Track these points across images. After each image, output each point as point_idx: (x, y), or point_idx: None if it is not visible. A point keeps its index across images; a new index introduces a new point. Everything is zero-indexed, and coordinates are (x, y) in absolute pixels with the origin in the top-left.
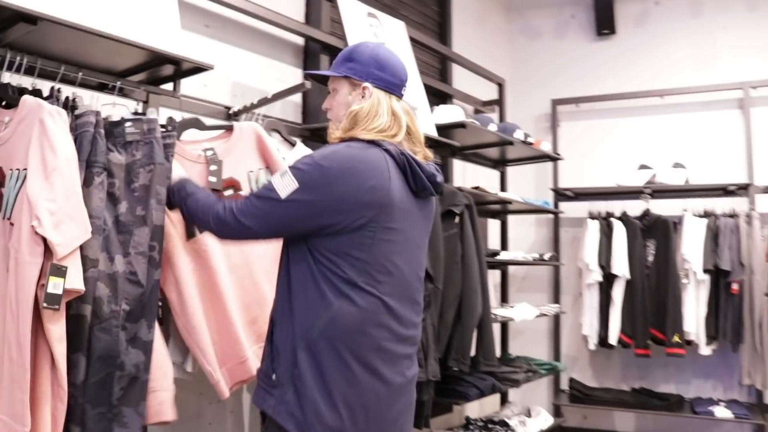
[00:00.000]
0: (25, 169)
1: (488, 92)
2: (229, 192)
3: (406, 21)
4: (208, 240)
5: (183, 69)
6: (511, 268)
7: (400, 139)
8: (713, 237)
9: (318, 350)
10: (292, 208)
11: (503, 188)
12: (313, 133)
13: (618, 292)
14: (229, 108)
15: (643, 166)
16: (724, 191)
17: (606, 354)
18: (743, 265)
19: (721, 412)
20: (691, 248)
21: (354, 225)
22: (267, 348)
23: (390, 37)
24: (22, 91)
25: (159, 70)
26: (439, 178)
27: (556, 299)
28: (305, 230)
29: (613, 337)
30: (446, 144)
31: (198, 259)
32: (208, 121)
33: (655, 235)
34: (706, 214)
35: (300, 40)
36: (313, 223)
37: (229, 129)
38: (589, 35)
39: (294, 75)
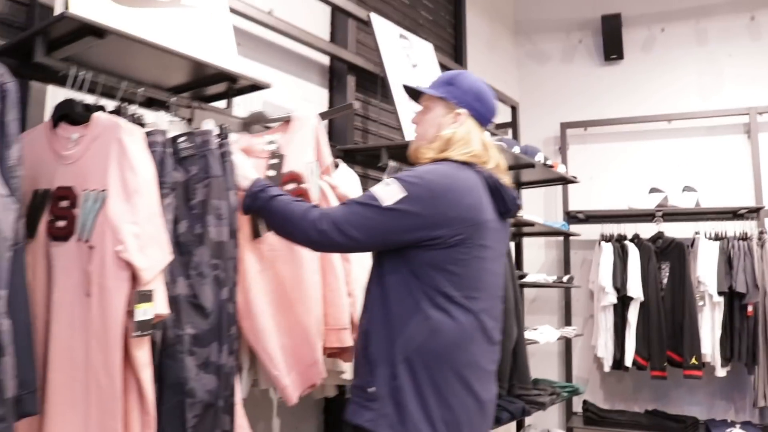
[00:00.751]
0: (104, 191)
1: (501, 115)
2: (291, 186)
3: None
4: (273, 239)
5: (240, 86)
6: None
7: (491, 168)
8: (727, 260)
9: (417, 364)
10: (396, 218)
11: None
12: (346, 154)
13: (633, 314)
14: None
15: (654, 189)
16: (734, 214)
17: (618, 376)
18: (758, 287)
19: None
20: (706, 270)
21: (452, 240)
22: (361, 361)
23: (420, 58)
24: (88, 107)
25: (205, 88)
26: (519, 201)
27: (568, 321)
28: (405, 242)
29: (629, 359)
30: None
31: (263, 259)
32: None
33: (669, 257)
34: (718, 237)
35: (326, 60)
36: (415, 235)
37: (287, 121)
38: (597, 60)
39: (320, 95)
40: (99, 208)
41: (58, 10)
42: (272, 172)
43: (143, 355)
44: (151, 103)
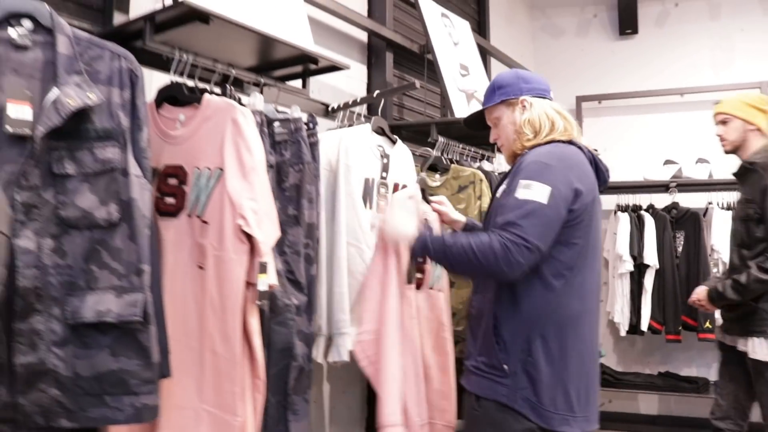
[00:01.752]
0: (219, 169)
1: None
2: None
3: None
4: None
5: (320, 67)
6: None
7: (577, 136)
8: None
9: (550, 337)
10: (555, 209)
11: None
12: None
13: (649, 281)
14: (327, 105)
15: (668, 161)
16: None
17: (630, 340)
18: None
19: None
20: (720, 239)
21: (581, 210)
22: (491, 341)
23: (460, 36)
24: (192, 89)
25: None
26: (609, 172)
27: None
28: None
29: (644, 324)
30: None
31: (407, 307)
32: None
33: (683, 226)
34: (730, 207)
35: (363, 37)
36: (565, 217)
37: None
38: (611, 34)
39: (359, 71)
40: (214, 185)
41: None
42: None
43: (256, 322)
44: (227, 83)
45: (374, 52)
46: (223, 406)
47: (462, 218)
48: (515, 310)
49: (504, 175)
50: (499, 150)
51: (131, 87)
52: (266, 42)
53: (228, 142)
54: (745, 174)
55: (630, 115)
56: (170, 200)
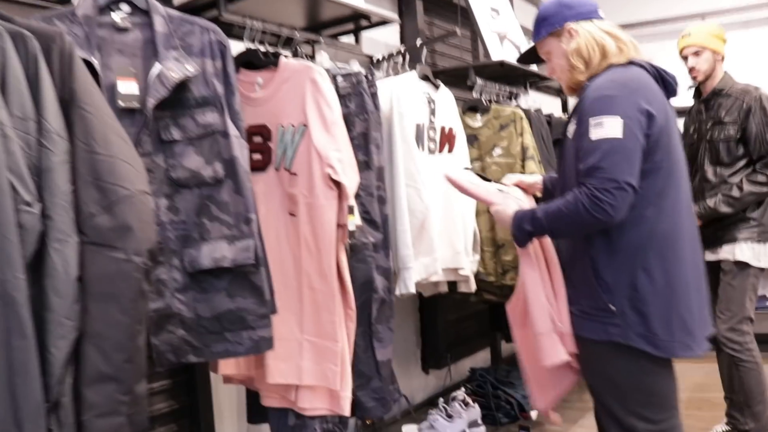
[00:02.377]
0: (303, 125)
1: None
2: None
3: None
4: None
5: (372, 23)
6: None
7: (634, 53)
8: None
9: (652, 268)
10: (632, 138)
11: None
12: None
13: None
14: (371, 57)
15: (691, 87)
16: None
17: None
18: None
19: None
20: None
21: (658, 131)
22: (592, 285)
23: None
24: (266, 54)
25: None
26: (677, 79)
27: None
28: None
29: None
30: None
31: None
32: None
33: None
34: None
35: None
36: (644, 143)
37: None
38: None
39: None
40: (299, 140)
41: None
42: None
43: (344, 259)
44: (282, 44)
45: (404, 1)
46: (324, 334)
47: (537, 178)
48: (611, 249)
49: (571, 112)
50: (531, 86)
51: (222, 56)
52: (323, 3)
53: (309, 99)
54: (717, 99)
55: (652, 42)
56: (257, 156)
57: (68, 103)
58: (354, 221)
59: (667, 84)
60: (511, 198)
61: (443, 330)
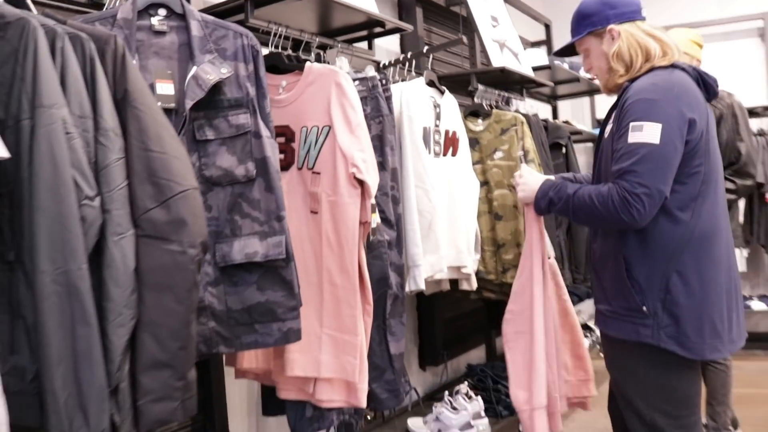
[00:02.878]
0: (327, 126)
1: (535, 33)
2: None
3: None
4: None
5: (386, 30)
6: None
7: (678, 56)
8: None
9: (686, 271)
10: (670, 145)
11: (555, 119)
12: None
13: None
14: (378, 62)
15: None
16: (750, 113)
17: None
18: None
19: (756, 305)
20: None
21: (698, 136)
22: (625, 285)
23: None
24: (289, 57)
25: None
26: (717, 82)
27: None
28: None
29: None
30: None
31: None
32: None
33: None
34: None
35: None
36: (682, 148)
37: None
38: None
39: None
40: (324, 140)
41: None
42: None
43: (364, 256)
44: (296, 48)
45: (404, 7)
46: (344, 328)
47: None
48: (645, 250)
49: (609, 111)
50: (528, 93)
51: (254, 60)
52: (343, 11)
53: (334, 102)
54: None
55: None
56: (280, 156)
57: (122, 102)
58: (375, 219)
59: (708, 87)
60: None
61: (440, 328)
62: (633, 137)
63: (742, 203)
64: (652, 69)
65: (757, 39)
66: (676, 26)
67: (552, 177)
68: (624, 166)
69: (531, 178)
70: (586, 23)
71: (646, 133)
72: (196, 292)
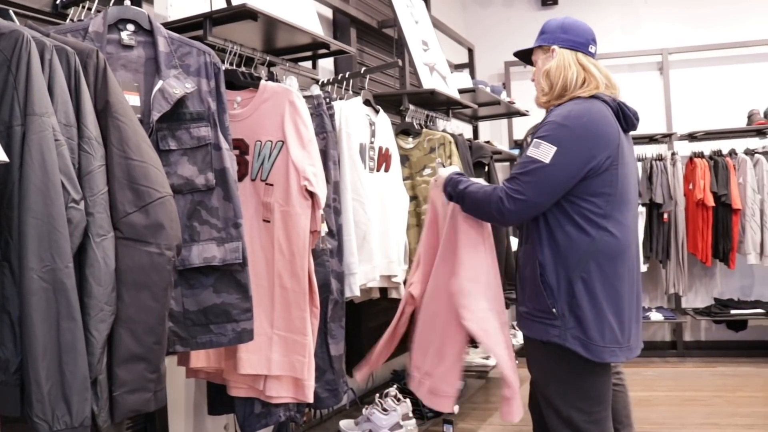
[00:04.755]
0: (281, 141)
1: (459, 56)
2: None
3: None
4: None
5: (330, 51)
6: None
7: (602, 89)
8: (648, 177)
9: (590, 279)
10: (560, 169)
11: (476, 138)
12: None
13: None
14: (317, 80)
15: None
16: (650, 139)
17: None
18: (672, 198)
19: (655, 316)
20: None
21: (603, 166)
22: (539, 288)
23: (420, 14)
24: (245, 75)
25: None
26: (638, 115)
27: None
28: (571, 184)
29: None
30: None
31: None
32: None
33: None
34: (640, 159)
35: (329, 13)
36: (579, 174)
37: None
38: (534, 5)
39: None
40: (277, 154)
41: None
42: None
43: (312, 262)
44: (245, 65)
45: (339, 28)
46: (294, 329)
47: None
48: (556, 257)
49: (534, 129)
50: (453, 114)
51: (215, 77)
52: (294, 32)
53: (288, 119)
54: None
55: None
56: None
57: (102, 113)
58: (324, 228)
59: (627, 118)
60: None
61: (366, 335)
62: (530, 151)
63: (642, 222)
64: (573, 98)
65: (657, 72)
66: None
67: (458, 170)
68: (513, 173)
69: (443, 172)
70: (541, 38)
71: (541, 151)
72: (170, 291)
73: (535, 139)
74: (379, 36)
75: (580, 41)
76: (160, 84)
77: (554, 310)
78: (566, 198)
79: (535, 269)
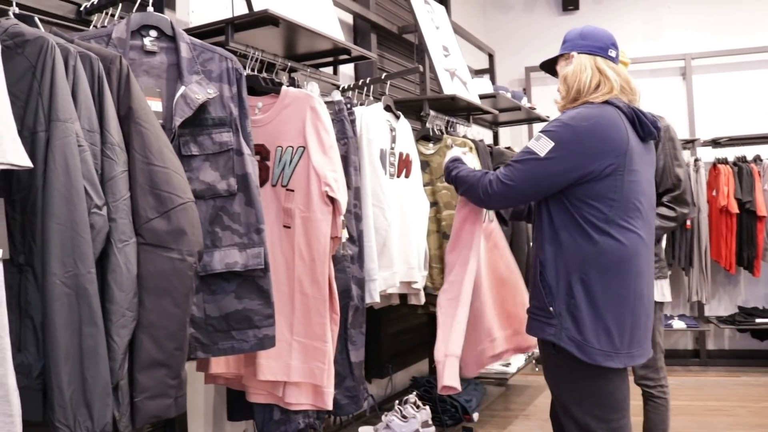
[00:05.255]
0: (302, 147)
1: (479, 61)
2: None
3: None
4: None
5: (352, 57)
6: None
7: (617, 93)
8: None
9: (590, 281)
10: (552, 164)
11: (496, 144)
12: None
13: None
14: (338, 86)
15: None
16: None
17: None
18: (695, 205)
19: (677, 324)
20: None
21: (606, 172)
22: (538, 287)
23: (440, 20)
24: (266, 80)
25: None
26: (659, 123)
27: None
28: (565, 183)
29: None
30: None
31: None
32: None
33: None
34: None
35: (349, 18)
36: (572, 175)
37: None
38: (555, 10)
39: None
40: (298, 160)
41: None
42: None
43: (333, 268)
44: (267, 70)
45: (359, 33)
46: (314, 335)
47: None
48: (557, 257)
49: None
50: (473, 119)
51: (237, 83)
52: (315, 38)
53: (309, 125)
54: None
55: None
56: None
57: (125, 119)
58: (345, 234)
59: (643, 126)
60: (459, 152)
61: (385, 342)
62: (530, 143)
63: None
64: (586, 102)
65: (679, 78)
66: None
67: (458, 156)
68: (511, 160)
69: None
70: (562, 47)
71: (539, 144)
72: (192, 297)
73: (538, 133)
74: (399, 41)
75: (598, 45)
76: (182, 90)
77: (551, 308)
78: (570, 201)
79: (537, 268)
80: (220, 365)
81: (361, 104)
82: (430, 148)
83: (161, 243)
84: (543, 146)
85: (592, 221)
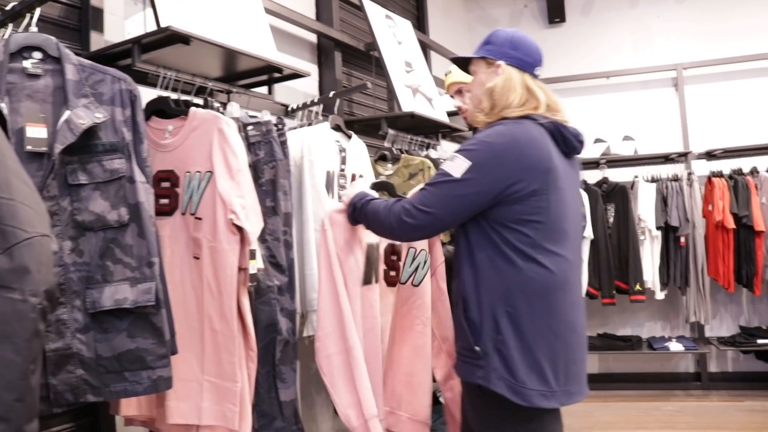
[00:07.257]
0: (209, 172)
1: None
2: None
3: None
4: (379, 289)
5: (284, 75)
6: None
7: (543, 110)
8: (662, 198)
9: (518, 314)
10: (470, 185)
11: None
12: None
13: (585, 251)
14: (287, 106)
15: (597, 140)
16: (666, 159)
17: None
18: (688, 221)
19: (674, 346)
20: (645, 209)
21: (526, 191)
22: (463, 325)
23: (404, 35)
24: (176, 102)
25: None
26: (581, 137)
27: None
28: (483, 206)
29: (583, 290)
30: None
31: (368, 307)
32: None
33: (613, 199)
34: (654, 179)
35: (313, 38)
36: (490, 196)
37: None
38: (541, 23)
39: (310, 71)
40: (205, 186)
41: (138, 20)
42: None
43: (247, 302)
44: (196, 92)
45: (324, 52)
46: (224, 375)
47: None
48: (479, 289)
49: None
50: (445, 137)
51: (131, 105)
52: (238, 57)
53: (216, 148)
54: None
55: (561, 97)
56: (164, 201)
57: None
58: (256, 265)
59: (566, 141)
60: (363, 184)
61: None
62: (445, 164)
63: (657, 247)
64: (503, 118)
65: (671, 88)
66: (596, 74)
67: (362, 189)
68: (425, 184)
69: (350, 190)
70: (486, 48)
71: (455, 164)
72: (37, 342)
73: (452, 153)
74: (367, 59)
75: (528, 61)
76: (66, 114)
77: (477, 348)
78: (490, 224)
79: (460, 306)
80: (131, 407)
81: (309, 124)
82: (388, 169)
83: (2, 283)
84: (459, 166)
85: (516, 246)
